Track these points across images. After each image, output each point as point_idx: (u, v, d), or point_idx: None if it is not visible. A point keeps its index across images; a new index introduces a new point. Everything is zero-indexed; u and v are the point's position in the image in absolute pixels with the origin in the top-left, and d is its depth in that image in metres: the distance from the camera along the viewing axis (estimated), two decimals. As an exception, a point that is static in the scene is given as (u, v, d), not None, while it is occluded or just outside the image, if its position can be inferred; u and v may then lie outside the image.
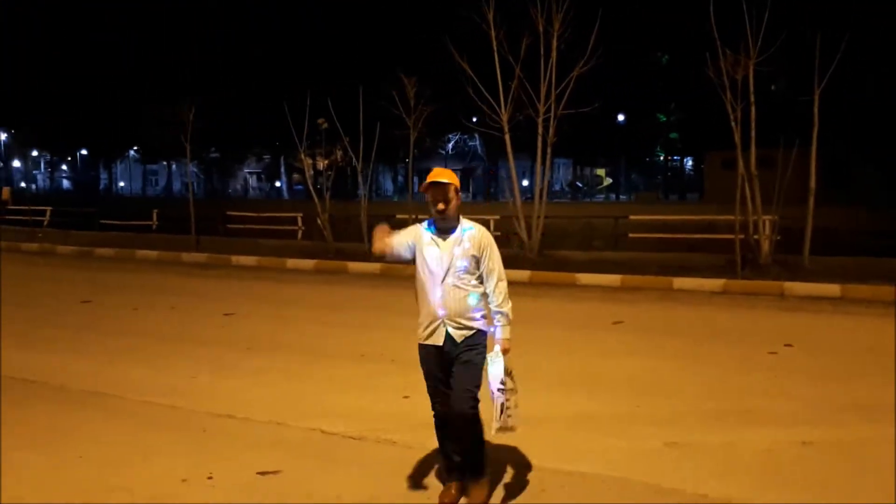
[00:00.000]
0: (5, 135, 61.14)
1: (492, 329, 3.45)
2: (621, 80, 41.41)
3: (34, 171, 72.61)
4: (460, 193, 3.50)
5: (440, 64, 16.65)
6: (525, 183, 32.96)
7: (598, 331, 7.78)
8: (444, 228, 3.43)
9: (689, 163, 59.65)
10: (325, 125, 15.39)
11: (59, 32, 50.92)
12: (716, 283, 10.19)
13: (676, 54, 42.34)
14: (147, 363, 6.60)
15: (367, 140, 15.26)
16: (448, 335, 3.37)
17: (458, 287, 3.36)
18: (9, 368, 6.26)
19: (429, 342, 3.43)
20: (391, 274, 11.82)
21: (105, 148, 59.30)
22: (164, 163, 62.41)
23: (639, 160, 59.19)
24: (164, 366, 6.49)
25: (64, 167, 73.96)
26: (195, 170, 52.93)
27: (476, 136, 50.72)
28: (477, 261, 3.39)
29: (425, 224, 3.51)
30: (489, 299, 3.43)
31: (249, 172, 67.46)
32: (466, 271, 3.37)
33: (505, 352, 3.42)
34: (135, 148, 61.32)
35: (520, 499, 3.64)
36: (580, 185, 61.60)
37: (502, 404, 3.38)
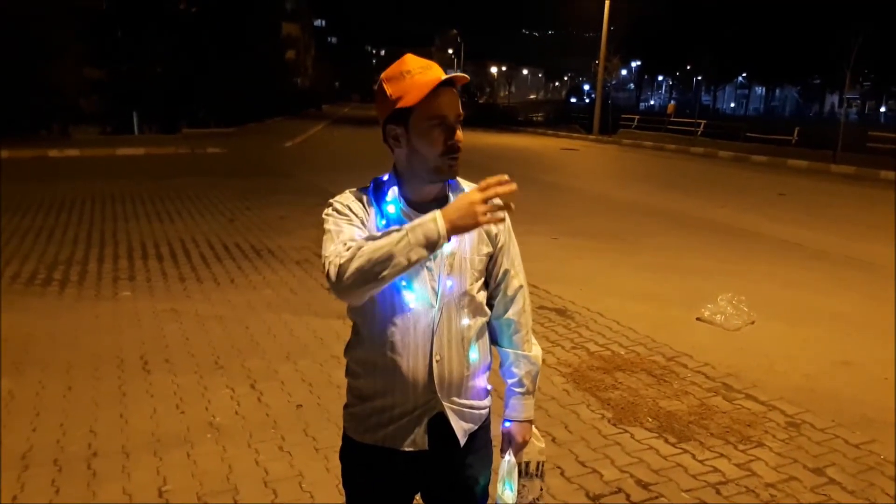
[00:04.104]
0: (637, 63, 73.07)
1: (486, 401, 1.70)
2: None
3: (647, 92, 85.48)
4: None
5: None
6: None
7: None
8: (432, 195, 1.56)
9: None
10: None
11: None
12: None
13: None
14: None
15: None
16: (440, 432, 1.60)
17: (462, 320, 1.59)
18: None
19: (389, 444, 1.59)
20: None
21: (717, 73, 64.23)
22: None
23: None
24: None
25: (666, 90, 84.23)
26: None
27: None
28: (488, 259, 1.65)
29: (364, 194, 1.58)
30: (499, 333, 1.73)
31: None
32: (476, 281, 1.62)
33: (520, 449, 1.74)
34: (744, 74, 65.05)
35: None
36: None
37: None
